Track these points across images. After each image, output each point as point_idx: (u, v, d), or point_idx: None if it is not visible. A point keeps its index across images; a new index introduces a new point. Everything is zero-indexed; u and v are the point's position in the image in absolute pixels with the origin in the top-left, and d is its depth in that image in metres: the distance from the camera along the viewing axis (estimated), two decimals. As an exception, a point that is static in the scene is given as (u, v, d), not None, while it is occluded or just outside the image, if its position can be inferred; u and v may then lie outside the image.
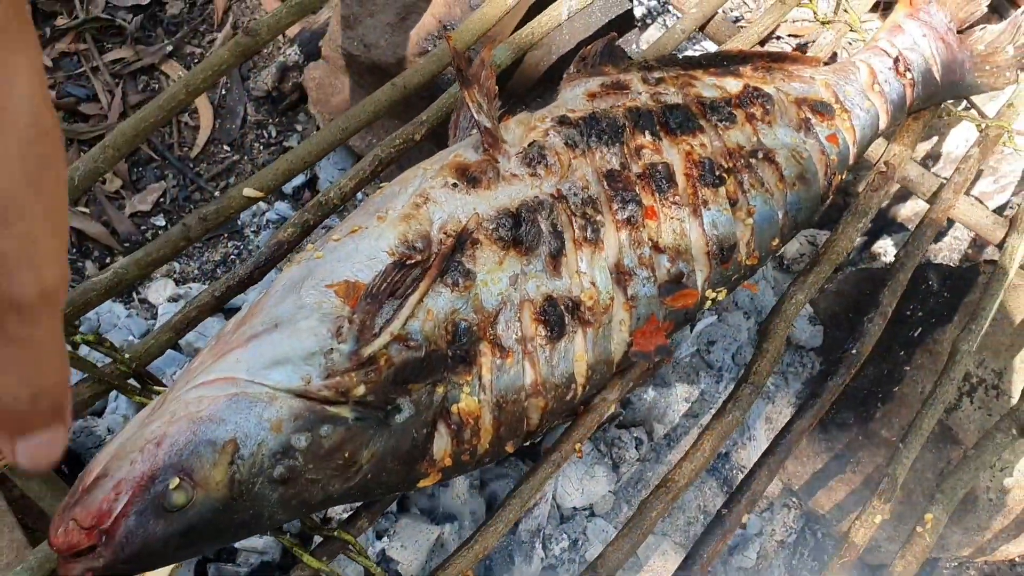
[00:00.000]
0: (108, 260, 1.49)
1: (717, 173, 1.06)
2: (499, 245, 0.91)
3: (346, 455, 0.81)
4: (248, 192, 0.99)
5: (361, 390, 0.80)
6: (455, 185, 0.92)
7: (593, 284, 0.97)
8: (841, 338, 1.48)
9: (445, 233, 0.89)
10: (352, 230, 0.90)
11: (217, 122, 1.64)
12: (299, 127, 1.66)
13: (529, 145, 0.98)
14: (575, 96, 1.07)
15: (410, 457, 0.86)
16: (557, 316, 0.93)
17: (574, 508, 1.35)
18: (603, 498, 1.38)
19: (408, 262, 0.85)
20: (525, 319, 0.92)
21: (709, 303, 1.08)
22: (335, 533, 0.93)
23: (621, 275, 0.99)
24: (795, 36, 1.93)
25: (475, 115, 0.95)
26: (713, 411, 1.46)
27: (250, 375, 0.77)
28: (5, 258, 0.43)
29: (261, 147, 1.64)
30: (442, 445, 0.88)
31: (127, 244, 1.51)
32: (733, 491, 1.07)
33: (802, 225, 1.17)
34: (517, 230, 0.91)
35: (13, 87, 0.43)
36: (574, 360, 0.96)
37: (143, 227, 1.54)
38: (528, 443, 1.00)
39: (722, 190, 1.06)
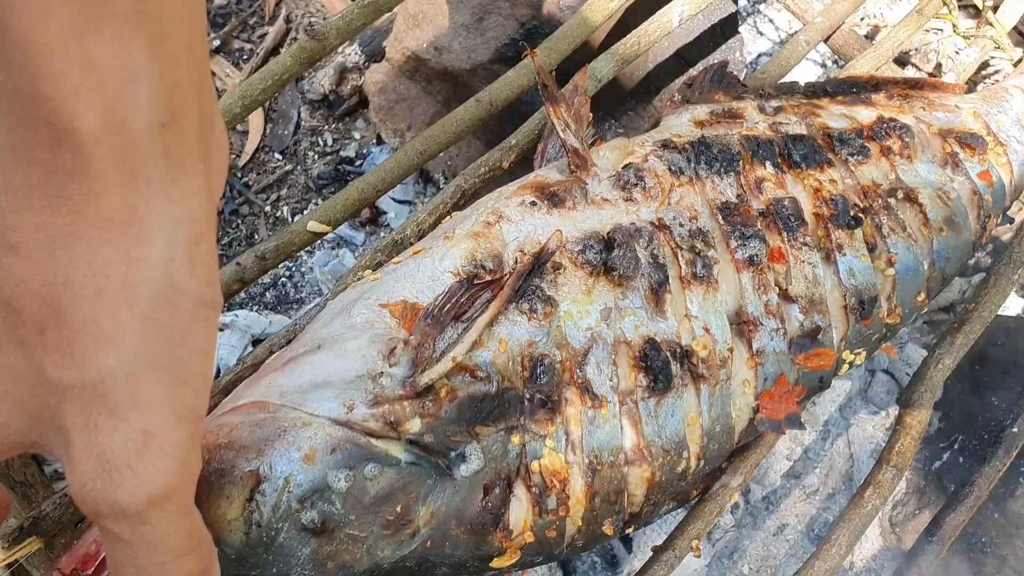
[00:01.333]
0: None
1: (852, 213, 0.96)
2: (586, 270, 0.81)
3: (397, 509, 0.69)
4: (313, 227, 0.93)
5: (416, 425, 0.70)
6: (533, 204, 0.84)
7: (707, 331, 0.85)
8: (962, 395, 1.31)
9: (521, 252, 0.80)
10: (415, 252, 0.82)
11: (268, 127, 1.61)
12: (357, 135, 1.61)
13: (624, 167, 0.89)
14: (680, 123, 1.00)
15: (480, 524, 0.74)
16: (661, 363, 0.81)
17: None
18: (695, 572, 1.21)
19: (477, 282, 0.76)
20: (621, 363, 0.81)
21: (846, 367, 0.95)
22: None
23: (743, 324, 0.87)
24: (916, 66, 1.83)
25: (560, 134, 0.88)
26: (819, 471, 1.28)
27: (282, 398, 0.68)
28: (111, 458, 0.40)
29: (316, 156, 1.59)
30: (521, 513, 0.76)
31: None
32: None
33: (950, 278, 1.04)
34: (608, 254, 0.82)
35: (145, 245, 0.38)
36: (685, 422, 0.84)
37: None
38: (631, 529, 0.86)
39: (858, 233, 0.95)
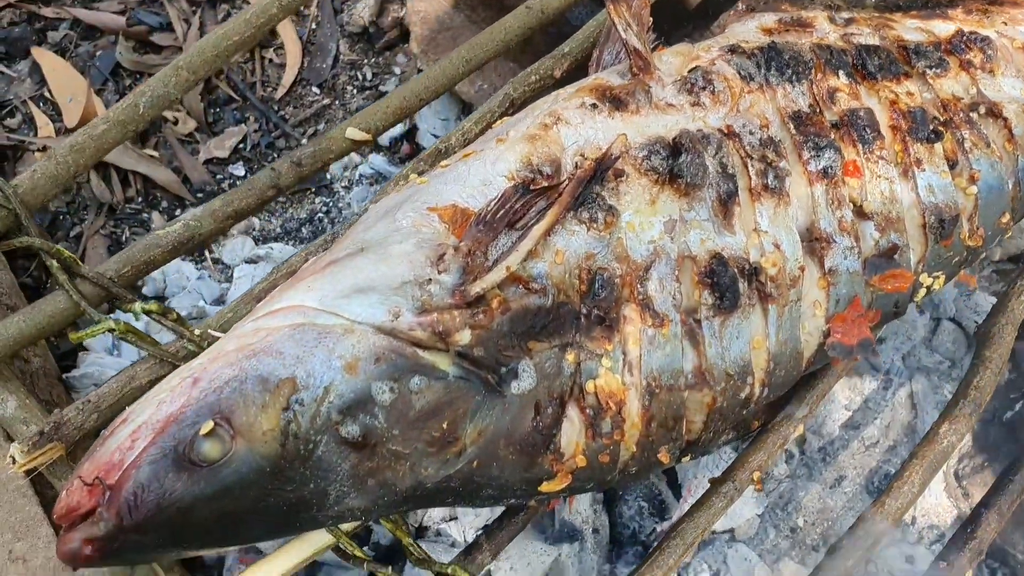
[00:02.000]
0: (178, 211, 1.40)
1: (932, 127, 0.88)
2: (651, 178, 0.75)
3: (444, 425, 0.64)
4: (352, 133, 0.88)
5: (466, 336, 0.65)
6: (595, 106, 0.78)
7: (777, 247, 0.79)
8: None
9: (582, 156, 0.74)
10: (464, 155, 0.76)
11: (306, 60, 1.55)
12: (397, 69, 1.55)
13: (691, 71, 0.82)
14: (747, 30, 0.92)
15: (530, 445, 0.69)
16: (728, 280, 0.76)
17: (712, 532, 1.14)
18: (747, 521, 1.16)
19: (533, 188, 0.70)
20: (685, 279, 0.75)
21: (923, 292, 0.88)
22: (448, 571, 0.76)
23: (815, 241, 0.81)
24: None
25: (622, 34, 0.81)
26: (879, 422, 1.22)
27: (322, 303, 0.63)
28: None
29: (355, 91, 1.53)
30: (573, 435, 0.71)
31: (200, 195, 1.41)
32: (953, 536, 0.85)
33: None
34: (675, 160, 0.75)
35: None
36: (751, 345, 0.78)
37: (219, 176, 1.43)
38: (687, 458, 0.81)
39: (938, 148, 0.88)
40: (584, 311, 0.71)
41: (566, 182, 0.71)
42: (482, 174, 0.72)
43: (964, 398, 0.90)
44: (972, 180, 0.89)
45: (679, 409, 0.76)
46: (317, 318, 0.62)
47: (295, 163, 0.87)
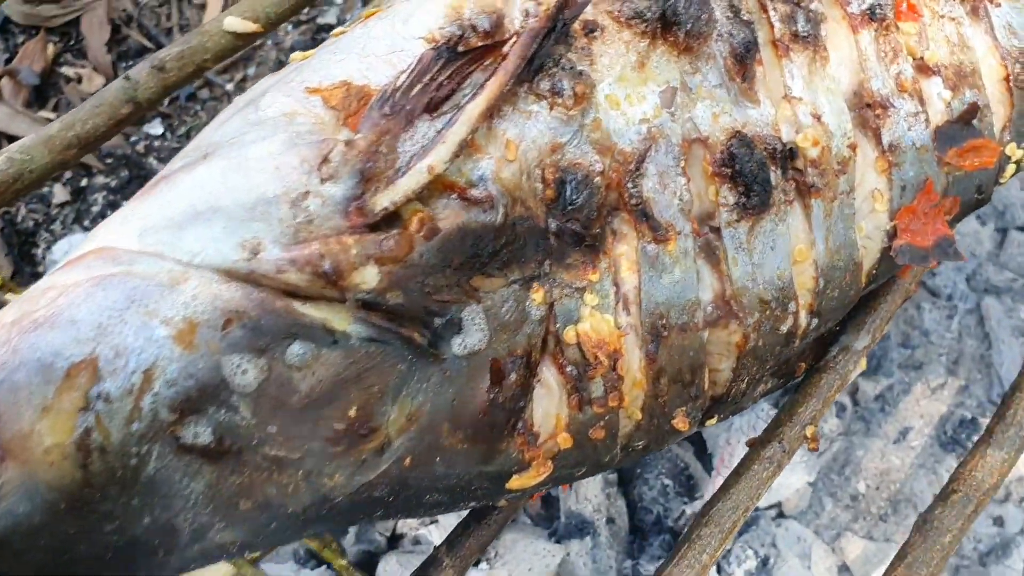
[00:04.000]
0: (84, 182, 1.17)
1: (1011, -54, 0.65)
2: (636, 30, 0.52)
3: (350, 412, 0.43)
4: (233, 24, 0.66)
5: (371, 276, 0.43)
6: (550, -65, 0.54)
7: (817, 119, 0.57)
8: None
9: (536, 2, 0.51)
10: (366, 16, 0.53)
11: None
12: None
13: None
14: None
15: (488, 426, 0.47)
16: (755, 169, 0.54)
17: (756, 509, 0.93)
18: (796, 492, 0.95)
19: (464, 49, 0.48)
20: (695, 173, 0.53)
21: (1012, 168, 0.66)
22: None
23: (867, 108, 0.59)
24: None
25: None
26: (945, 359, 1.01)
27: (142, 241, 0.41)
28: None
29: (288, 26, 1.30)
30: (551, 406, 0.50)
31: (109, 160, 1.18)
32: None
33: None
34: (666, 1, 0.52)
35: None
36: (791, 257, 0.56)
37: (133, 138, 1.22)
38: (713, 420, 0.60)
39: None
40: (553, 227, 0.49)
41: (512, 39, 0.49)
42: (389, 37, 0.49)
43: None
44: (1065, 15, 0.66)
45: (698, 355, 0.54)
46: (133, 263, 0.40)
47: (157, 68, 0.65)
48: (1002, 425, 0.66)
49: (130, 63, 1.25)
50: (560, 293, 0.50)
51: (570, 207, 0.49)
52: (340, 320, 0.43)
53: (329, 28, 1.28)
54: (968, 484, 0.64)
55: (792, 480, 0.94)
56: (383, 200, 0.43)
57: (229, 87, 1.24)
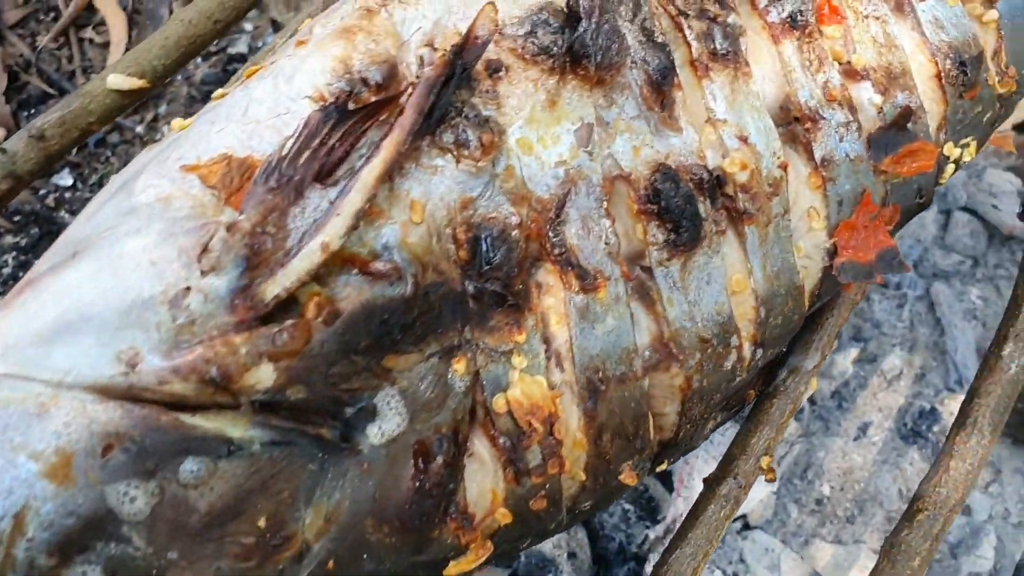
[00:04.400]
0: None
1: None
2: (543, 66, 0.49)
3: (260, 523, 0.38)
4: (116, 82, 0.61)
5: (266, 374, 0.38)
6: (442, -30, 0.50)
7: (743, 140, 0.53)
8: None
9: (430, 48, 0.46)
10: (247, 75, 0.48)
11: (133, 33, 1.26)
12: (249, 24, 1.26)
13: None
14: None
15: (417, 516, 0.43)
16: (683, 203, 0.50)
17: None
18: (760, 503, 0.92)
19: (356, 106, 0.43)
20: (620, 212, 0.50)
21: (951, 168, 0.64)
22: None
23: (796, 123, 0.56)
24: None
25: None
26: (900, 349, 0.98)
27: (4, 362, 0.36)
28: None
29: (198, 59, 1.24)
30: (485, 482, 0.46)
31: (17, 218, 1.11)
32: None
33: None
34: (573, 32, 0.48)
35: None
36: (729, 289, 0.52)
37: (42, 191, 1.14)
38: (664, 464, 0.56)
39: None
40: (471, 290, 0.45)
41: (408, 91, 0.44)
42: (273, 99, 0.45)
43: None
44: (989, 2, 0.64)
45: (640, 405, 0.50)
46: (-7, 391, 0.35)
47: (36, 137, 0.60)
48: (963, 435, 0.63)
49: (32, 111, 1.18)
50: (485, 360, 0.46)
51: (487, 266, 0.46)
52: (236, 427, 0.38)
53: (241, 58, 1.23)
54: (933, 502, 0.61)
55: (755, 491, 0.91)
56: (273, 288, 0.39)
57: (139, 129, 1.18)
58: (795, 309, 0.57)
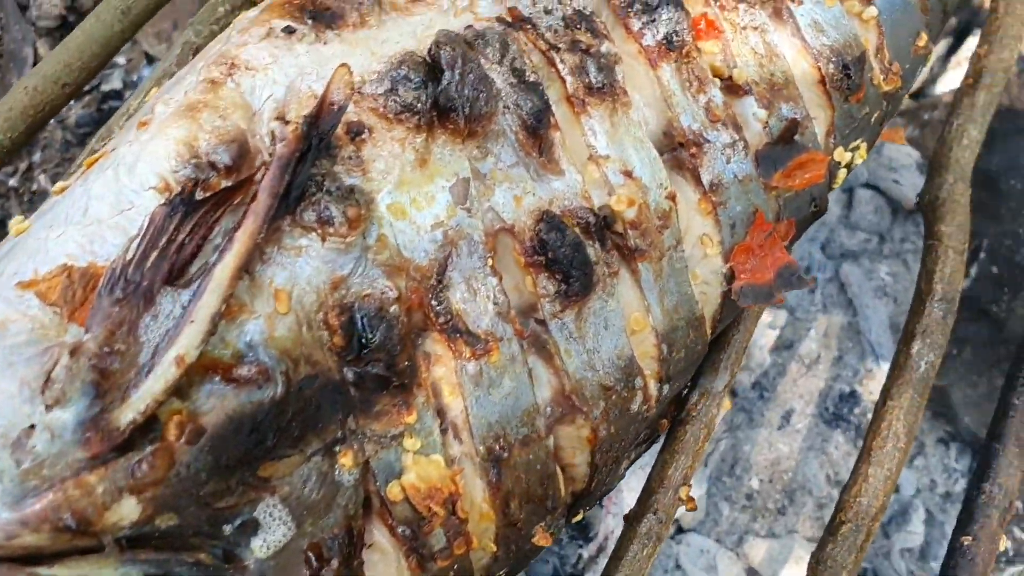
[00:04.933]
0: None
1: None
2: (408, 124, 0.46)
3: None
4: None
5: (130, 510, 0.35)
6: (290, 31, 0.47)
7: (628, 175, 0.51)
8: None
9: (282, 120, 0.43)
10: (88, 164, 0.45)
11: None
12: (121, 58, 1.18)
13: (435, -62, 0.52)
14: None
15: (317, 623, 0.40)
16: (570, 250, 0.48)
17: None
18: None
19: (205, 195, 0.40)
20: (507, 267, 0.47)
21: (843, 173, 0.62)
22: None
23: (680, 148, 0.54)
24: None
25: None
26: (815, 333, 0.98)
27: None
28: None
29: (70, 103, 1.17)
30: (387, 571, 0.43)
31: None
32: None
33: (952, 4, 0.71)
34: (437, 86, 0.45)
35: None
36: (627, 330, 0.50)
37: None
38: (580, 515, 0.54)
39: None
40: (351, 377, 0.42)
41: (260, 171, 0.41)
42: (114, 193, 0.41)
43: (930, 297, 0.65)
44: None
45: (547, 464, 0.48)
46: None
47: None
48: (878, 440, 0.62)
49: None
50: (374, 448, 0.43)
51: (366, 349, 0.42)
52: (104, 570, 0.35)
53: (116, 95, 1.16)
54: (855, 512, 0.60)
55: (682, 491, 0.90)
56: (127, 414, 0.35)
57: (12, 182, 1.11)
58: (698, 339, 0.55)
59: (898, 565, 0.94)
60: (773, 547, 0.92)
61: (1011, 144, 1.00)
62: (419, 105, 0.46)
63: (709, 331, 0.56)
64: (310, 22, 0.48)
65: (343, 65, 0.44)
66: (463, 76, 0.46)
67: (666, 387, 0.54)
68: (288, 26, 0.47)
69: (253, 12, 0.50)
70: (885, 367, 1.00)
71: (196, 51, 0.61)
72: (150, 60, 1.17)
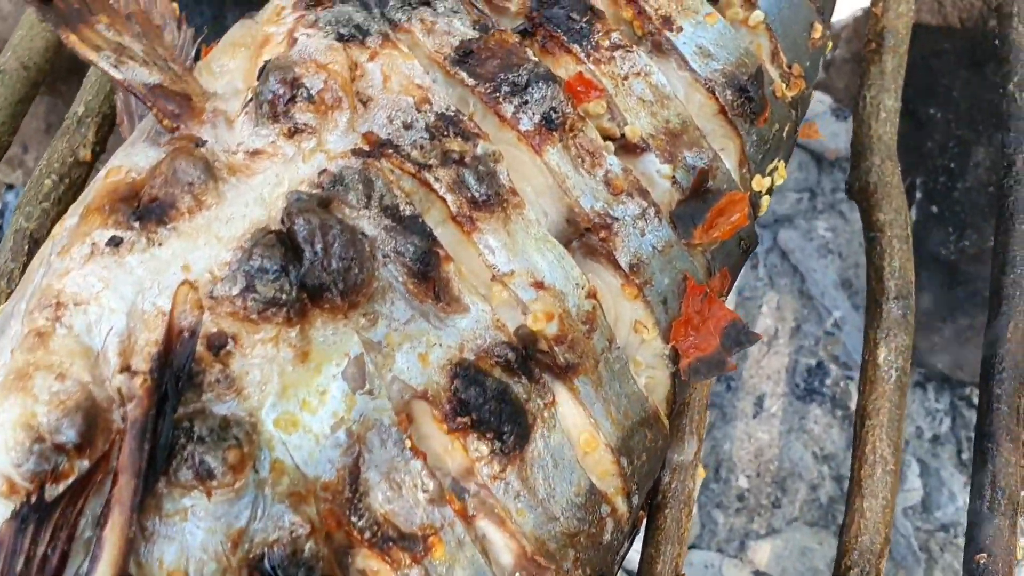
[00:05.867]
0: None
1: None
2: (276, 318, 0.39)
3: None
4: None
5: None
6: (116, 243, 0.40)
7: (540, 285, 0.44)
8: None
9: (128, 372, 0.36)
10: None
11: None
12: None
13: (263, 75, 0.45)
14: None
15: None
16: (496, 406, 0.41)
17: None
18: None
19: (57, 493, 0.33)
20: (429, 434, 0.41)
21: (766, 200, 0.57)
22: None
23: (588, 234, 0.48)
24: None
25: (111, 72, 0.43)
26: (767, 307, 0.93)
27: None
28: None
29: None
30: None
31: None
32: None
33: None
34: (299, 263, 0.39)
35: None
36: (578, 457, 0.44)
37: None
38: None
39: None
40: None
41: (116, 445, 0.34)
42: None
43: (884, 296, 0.60)
44: (749, 3, 0.57)
45: (524, 640, 0.42)
46: None
47: None
48: (866, 468, 0.57)
49: None
50: None
51: (290, 601, 0.36)
52: None
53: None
54: (859, 553, 0.55)
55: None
56: None
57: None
58: (657, 436, 0.49)
59: (903, 526, 0.90)
60: (776, 544, 0.87)
61: (925, 68, 0.94)
62: (284, 296, 0.39)
63: (666, 420, 0.50)
64: (137, 225, 0.40)
65: (184, 284, 0.37)
66: (326, 249, 0.39)
67: (635, 497, 0.48)
68: (113, 237, 0.40)
69: (72, 220, 0.42)
70: (846, 328, 0.96)
71: (31, 239, 0.53)
72: (10, 187, 1.07)
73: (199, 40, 0.51)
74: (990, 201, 0.64)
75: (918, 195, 0.90)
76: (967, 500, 0.55)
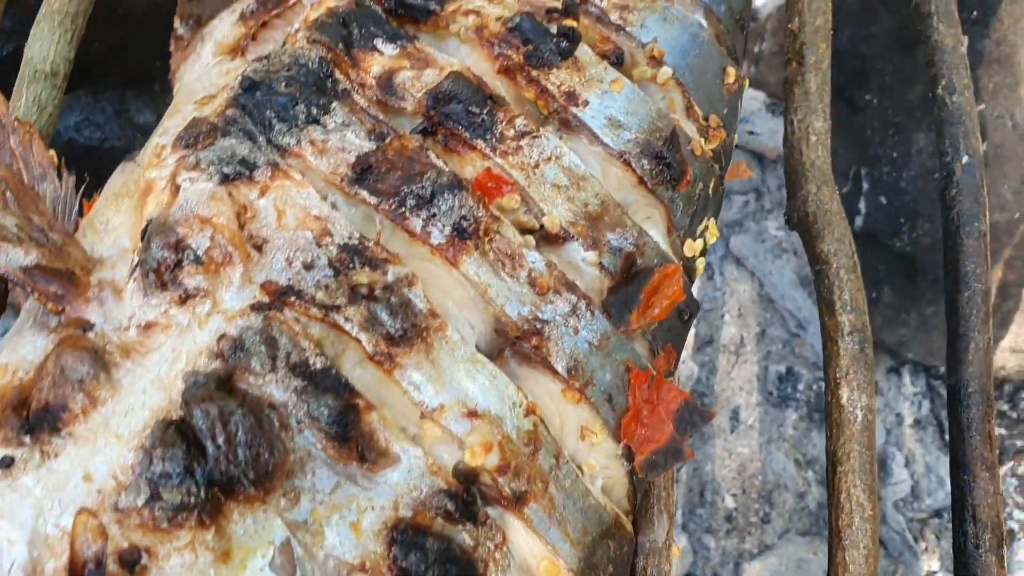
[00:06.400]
0: None
1: (554, 39, 0.52)
2: (188, 525, 0.35)
3: None
4: None
5: None
6: (8, 465, 0.36)
7: (474, 415, 0.42)
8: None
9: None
10: None
11: None
12: None
13: (146, 242, 0.41)
14: (207, 72, 0.51)
15: None
16: (440, 565, 0.38)
17: None
18: (677, 560, 0.85)
19: None
20: (375, 620, 0.38)
21: (701, 262, 0.54)
22: None
23: (519, 343, 0.45)
24: None
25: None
26: (729, 315, 0.91)
27: None
28: None
29: None
30: None
31: None
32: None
33: (744, 10, 0.63)
34: (202, 461, 0.36)
35: None
36: (541, 589, 0.41)
37: None
38: None
39: (583, 53, 0.52)
40: None
41: None
42: None
43: (839, 333, 0.57)
44: (655, 60, 0.53)
45: None
46: None
47: None
48: (844, 517, 0.54)
49: None
50: None
51: None
52: None
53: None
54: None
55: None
56: None
57: None
58: (621, 542, 0.46)
59: (895, 521, 0.88)
60: (770, 561, 0.85)
61: (855, 53, 0.92)
62: (192, 500, 0.36)
63: (629, 522, 0.47)
64: (28, 438, 0.37)
65: (81, 513, 0.33)
66: (229, 440, 0.36)
67: (606, 606, 0.45)
68: (4, 458, 0.36)
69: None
70: (810, 328, 0.93)
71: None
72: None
73: (81, 189, 0.48)
74: (937, 188, 0.61)
75: (865, 186, 0.88)
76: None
